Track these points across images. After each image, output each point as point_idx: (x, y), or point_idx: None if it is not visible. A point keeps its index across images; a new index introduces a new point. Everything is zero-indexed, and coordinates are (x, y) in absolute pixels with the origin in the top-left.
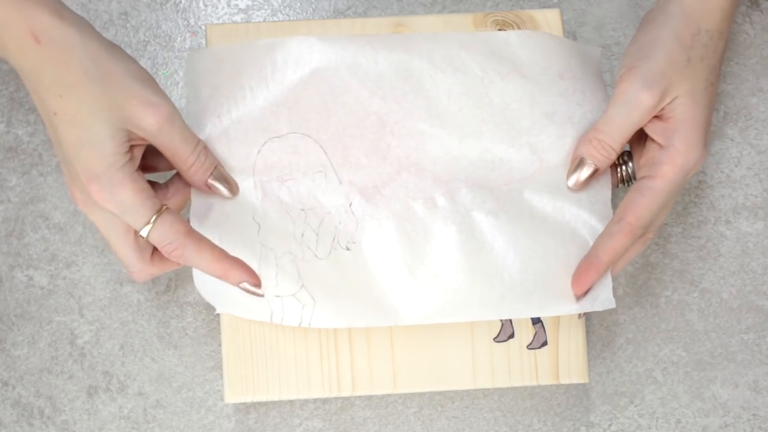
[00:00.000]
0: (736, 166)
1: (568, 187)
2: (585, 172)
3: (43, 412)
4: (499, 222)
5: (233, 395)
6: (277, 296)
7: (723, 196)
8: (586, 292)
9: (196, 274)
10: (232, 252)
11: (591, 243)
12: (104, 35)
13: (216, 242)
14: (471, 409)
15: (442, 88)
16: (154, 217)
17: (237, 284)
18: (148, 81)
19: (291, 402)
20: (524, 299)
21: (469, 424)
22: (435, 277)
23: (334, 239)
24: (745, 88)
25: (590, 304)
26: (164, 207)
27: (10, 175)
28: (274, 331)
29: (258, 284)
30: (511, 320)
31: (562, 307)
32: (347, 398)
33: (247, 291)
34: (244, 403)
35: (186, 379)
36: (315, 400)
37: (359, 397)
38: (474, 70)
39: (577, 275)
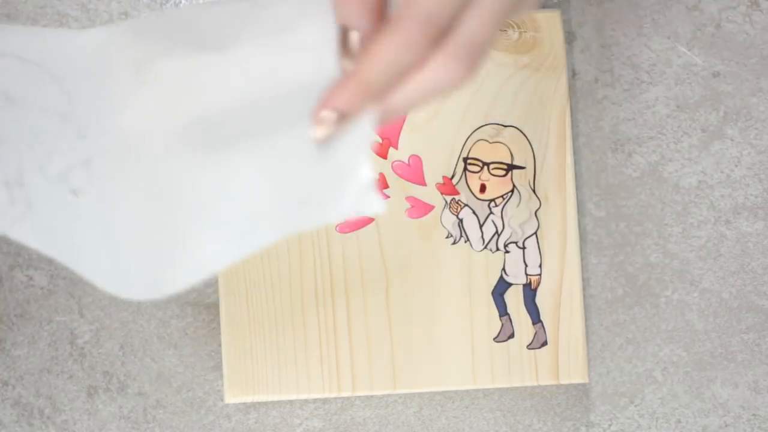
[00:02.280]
0: (736, 166)
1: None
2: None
3: (43, 412)
4: (249, 147)
5: (233, 395)
6: None
7: (723, 196)
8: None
9: None
10: None
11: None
12: None
13: None
14: (471, 409)
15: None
16: None
17: None
18: None
19: (291, 402)
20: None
21: (469, 424)
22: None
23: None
24: (745, 88)
25: (353, 204)
26: None
27: None
28: (274, 331)
29: None
30: (511, 320)
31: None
32: (347, 398)
33: None
34: (244, 403)
35: (186, 379)
36: (315, 400)
37: (359, 397)
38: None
39: (321, 98)
